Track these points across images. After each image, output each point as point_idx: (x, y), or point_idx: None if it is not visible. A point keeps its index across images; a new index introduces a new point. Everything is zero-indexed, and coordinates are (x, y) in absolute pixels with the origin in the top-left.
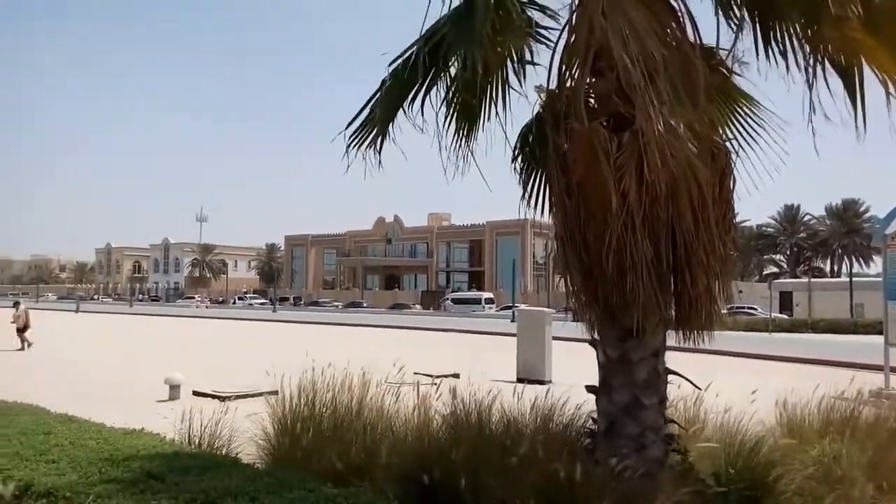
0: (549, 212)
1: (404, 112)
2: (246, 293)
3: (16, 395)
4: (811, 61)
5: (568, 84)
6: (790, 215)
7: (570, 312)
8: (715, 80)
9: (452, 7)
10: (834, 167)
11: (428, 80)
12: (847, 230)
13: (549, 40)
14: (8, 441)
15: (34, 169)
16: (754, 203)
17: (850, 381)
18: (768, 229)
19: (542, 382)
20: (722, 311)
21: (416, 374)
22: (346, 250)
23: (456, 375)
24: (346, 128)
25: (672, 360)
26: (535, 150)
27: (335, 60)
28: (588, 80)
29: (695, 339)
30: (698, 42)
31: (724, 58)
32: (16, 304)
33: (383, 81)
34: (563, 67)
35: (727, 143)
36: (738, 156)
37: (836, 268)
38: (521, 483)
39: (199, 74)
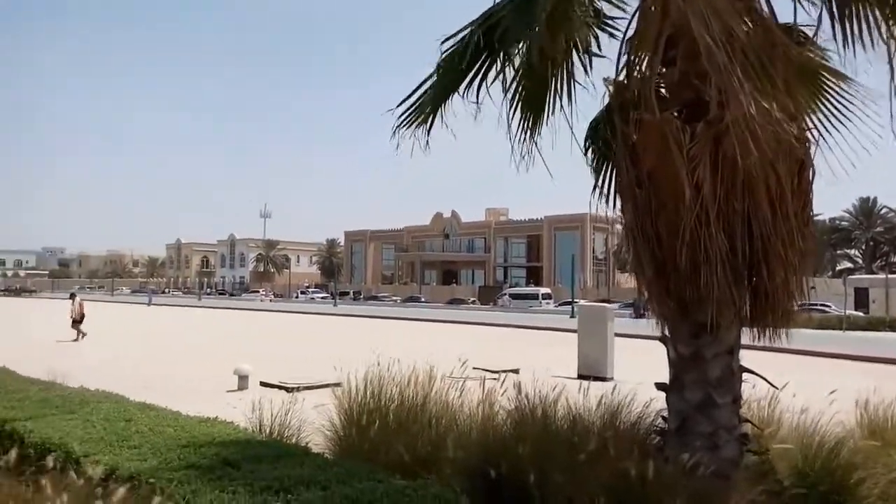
0: (622, 204)
1: (460, 96)
2: (308, 287)
3: (97, 383)
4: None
5: (636, 74)
6: (866, 208)
7: (633, 309)
8: (800, 59)
9: None
10: None
11: (485, 67)
12: None
13: (617, 29)
14: (93, 427)
15: (112, 169)
16: (828, 196)
17: None
18: (842, 223)
19: (604, 379)
20: (796, 308)
21: (475, 368)
22: (405, 245)
23: (516, 371)
24: (398, 106)
25: (745, 358)
26: (605, 141)
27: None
28: (658, 70)
29: (770, 336)
30: (775, 20)
31: (807, 35)
32: (72, 297)
33: (438, 66)
34: (632, 57)
35: (808, 133)
36: (818, 145)
37: None
38: (590, 480)
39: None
